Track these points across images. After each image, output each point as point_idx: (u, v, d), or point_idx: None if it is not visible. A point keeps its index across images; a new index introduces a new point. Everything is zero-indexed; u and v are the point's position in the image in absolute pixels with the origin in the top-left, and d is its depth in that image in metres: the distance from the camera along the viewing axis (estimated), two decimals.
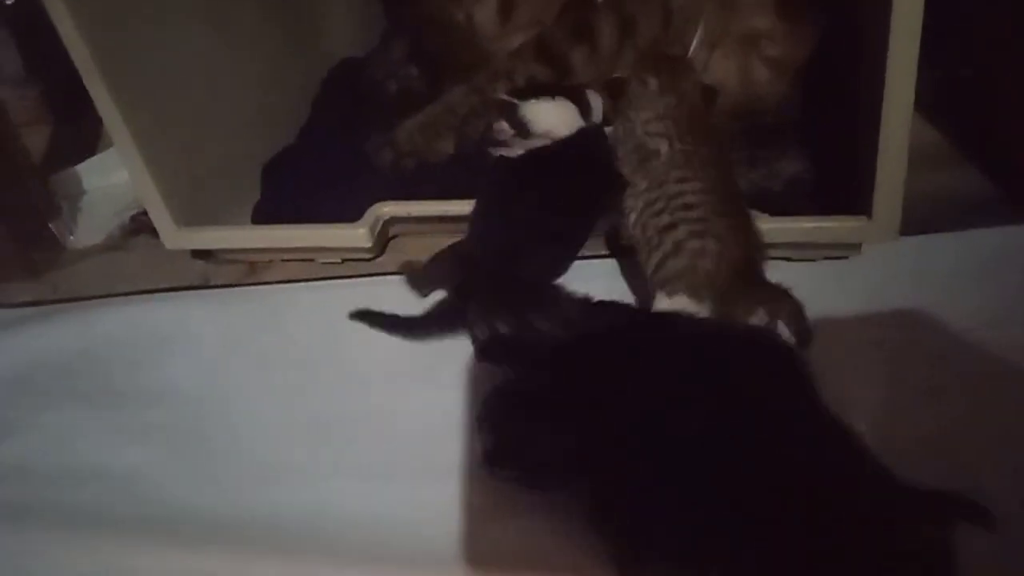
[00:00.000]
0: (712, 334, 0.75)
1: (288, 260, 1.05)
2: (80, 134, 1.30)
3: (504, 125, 0.88)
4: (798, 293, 0.85)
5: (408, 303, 0.96)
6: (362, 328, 0.94)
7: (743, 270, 0.77)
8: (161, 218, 0.99)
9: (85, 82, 0.90)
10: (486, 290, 0.85)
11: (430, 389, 0.86)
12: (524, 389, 0.72)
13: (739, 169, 0.89)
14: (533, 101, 0.92)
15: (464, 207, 0.96)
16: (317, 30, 1.33)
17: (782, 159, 0.91)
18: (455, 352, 0.87)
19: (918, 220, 0.86)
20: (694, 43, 0.91)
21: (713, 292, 0.77)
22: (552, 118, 0.92)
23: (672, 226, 0.78)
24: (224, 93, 1.09)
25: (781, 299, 0.76)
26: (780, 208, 0.88)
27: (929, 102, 0.89)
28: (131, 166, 0.95)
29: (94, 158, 1.25)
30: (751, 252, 0.78)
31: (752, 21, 0.90)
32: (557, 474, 0.69)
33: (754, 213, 0.85)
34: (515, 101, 0.92)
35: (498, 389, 0.73)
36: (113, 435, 0.90)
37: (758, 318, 0.76)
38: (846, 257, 0.90)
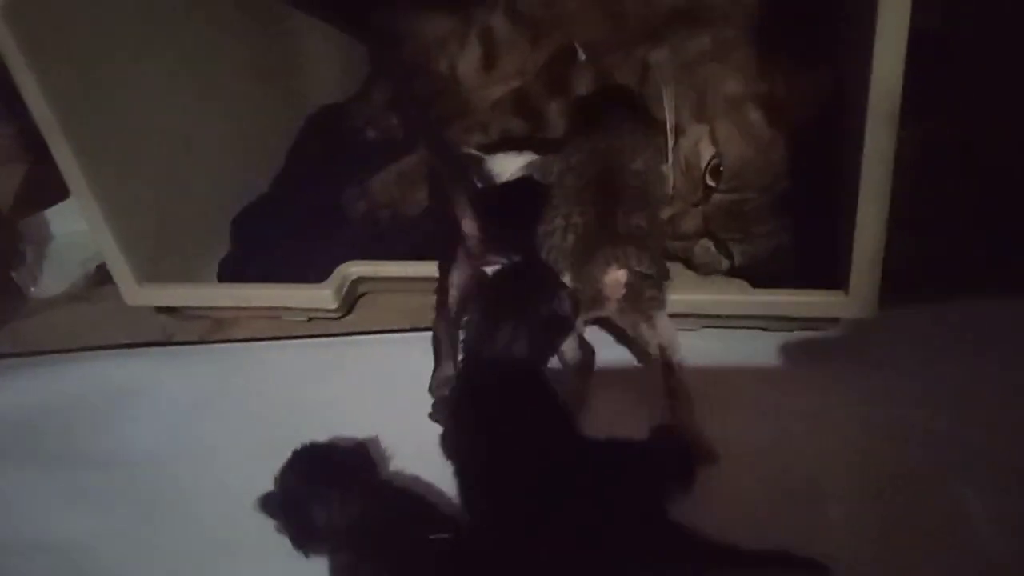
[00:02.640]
0: None
1: (254, 317, 1.03)
2: (53, 177, 1.28)
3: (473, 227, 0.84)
4: (772, 364, 0.85)
5: (374, 363, 0.94)
6: (328, 385, 0.93)
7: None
8: (122, 274, 0.96)
9: (44, 133, 0.88)
10: None
11: (399, 447, 0.83)
12: None
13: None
14: (500, 155, 0.91)
15: (433, 269, 0.94)
16: (298, 77, 1.31)
17: (772, 232, 0.88)
18: (423, 412, 0.85)
19: (898, 289, 0.83)
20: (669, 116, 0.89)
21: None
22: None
23: None
24: (195, 145, 1.06)
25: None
26: (760, 278, 0.87)
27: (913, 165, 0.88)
28: (91, 221, 0.93)
29: (63, 203, 1.22)
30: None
31: (725, 87, 0.88)
32: None
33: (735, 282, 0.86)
34: (481, 155, 0.91)
35: None
36: (62, 500, 0.86)
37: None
38: (824, 329, 0.87)
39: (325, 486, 0.71)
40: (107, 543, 0.81)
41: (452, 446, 0.76)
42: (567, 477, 0.67)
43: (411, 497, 0.74)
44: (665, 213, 0.88)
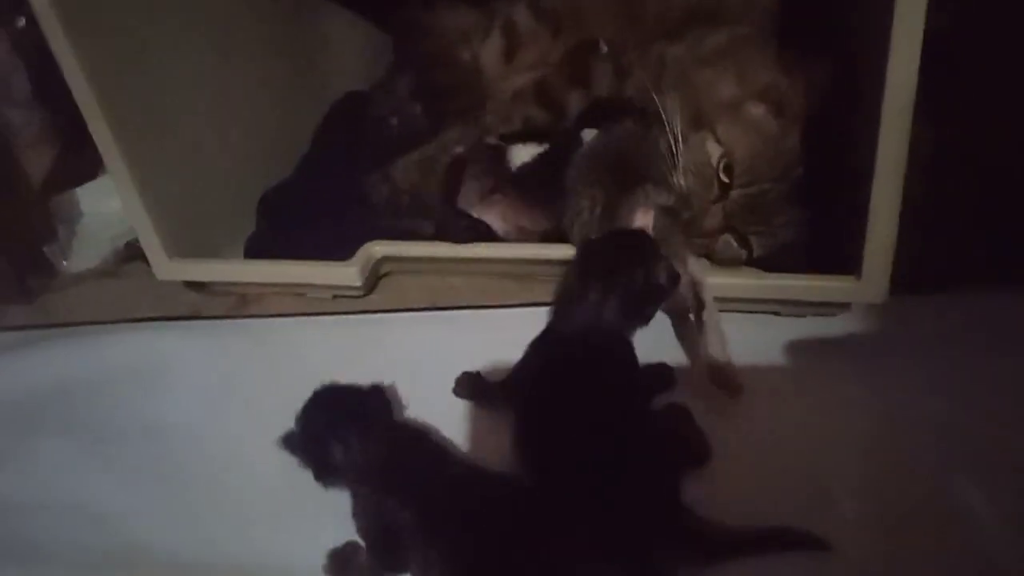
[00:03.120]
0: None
1: (279, 294, 1.05)
2: (84, 157, 1.31)
3: None
4: (784, 349, 0.87)
5: (395, 340, 0.97)
6: (351, 363, 0.93)
7: None
8: (153, 249, 0.99)
9: (82, 110, 0.91)
10: None
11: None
12: None
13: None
14: (520, 145, 0.93)
15: (455, 250, 0.96)
16: (323, 62, 1.34)
17: (790, 221, 0.90)
18: (444, 391, 0.88)
19: (909, 281, 0.85)
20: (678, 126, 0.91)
21: None
22: None
23: None
24: (226, 125, 1.09)
25: None
26: (775, 266, 0.89)
27: (928, 163, 0.90)
28: (125, 196, 0.95)
29: (94, 182, 1.25)
30: None
31: (719, 92, 0.90)
32: None
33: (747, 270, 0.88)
34: (502, 144, 0.93)
35: None
36: (94, 470, 0.89)
37: None
38: (834, 315, 0.89)
39: (344, 423, 0.74)
40: (134, 509, 0.85)
41: (520, 392, 0.79)
42: (623, 447, 0.69)
43: (427, 435, 0.78)
44: (685, 214, 0.90)
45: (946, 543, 0.71)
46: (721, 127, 0.89)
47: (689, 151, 0.90)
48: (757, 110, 0.89)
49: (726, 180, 0.88)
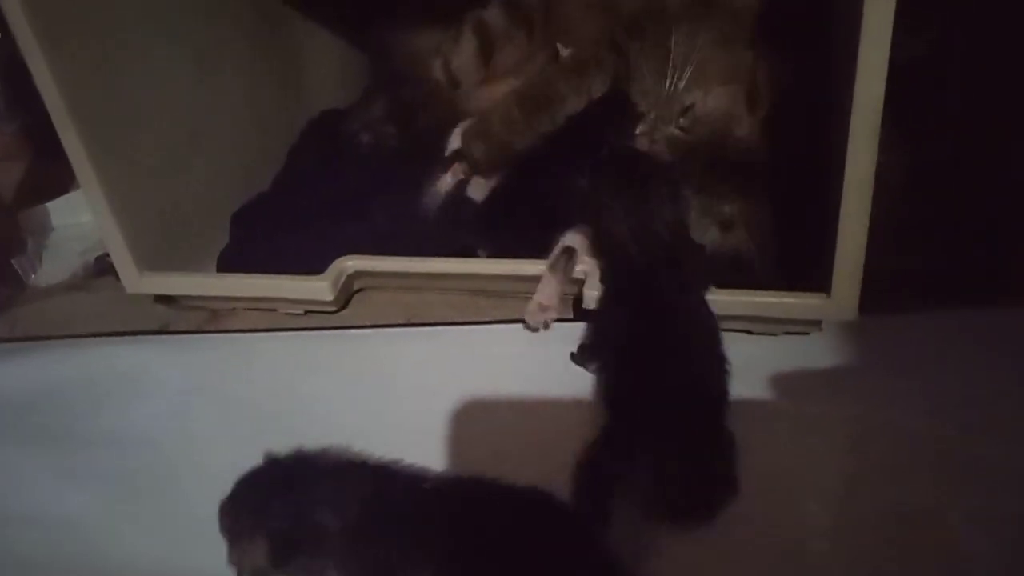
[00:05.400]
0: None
1: (250, 309, 1.04)
2: (55, 172, 1.30)
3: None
4: (755, 367, 0.87)
5: (368, 356, 0.96)
6: (323, 379, 0.94)
7: None
8: (123, 262, 0.98)
9: (55, 122, 0.90)
10: None
11: (393, 442, 0.81)
12: None
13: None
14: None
15: (429, 265, 0.96)
16: (301, 80, 1.34)
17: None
18: (416, 406, 0.88)
19: (883, 300, 0.86)
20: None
21: None
22: None
23: None
24: (202, 140, 1.09)
25: None
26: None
27: (900, 183, 0.91)
28: (96, 210, 0.94)
29: (65, 196, 1.24)
30: None
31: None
32: None
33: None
34: None
35: None
36: (61, 479, 0.88)
37: None
38: (807, 333, 0.90)
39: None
40: (97, 520, 0.83)
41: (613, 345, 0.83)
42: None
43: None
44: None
45: (923, 558, 0.71)
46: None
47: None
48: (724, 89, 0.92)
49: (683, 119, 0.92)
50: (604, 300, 0.86)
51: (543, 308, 0.90)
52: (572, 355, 0.88)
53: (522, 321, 0.92)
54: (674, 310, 0.81)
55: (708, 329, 0.81)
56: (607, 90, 1.01)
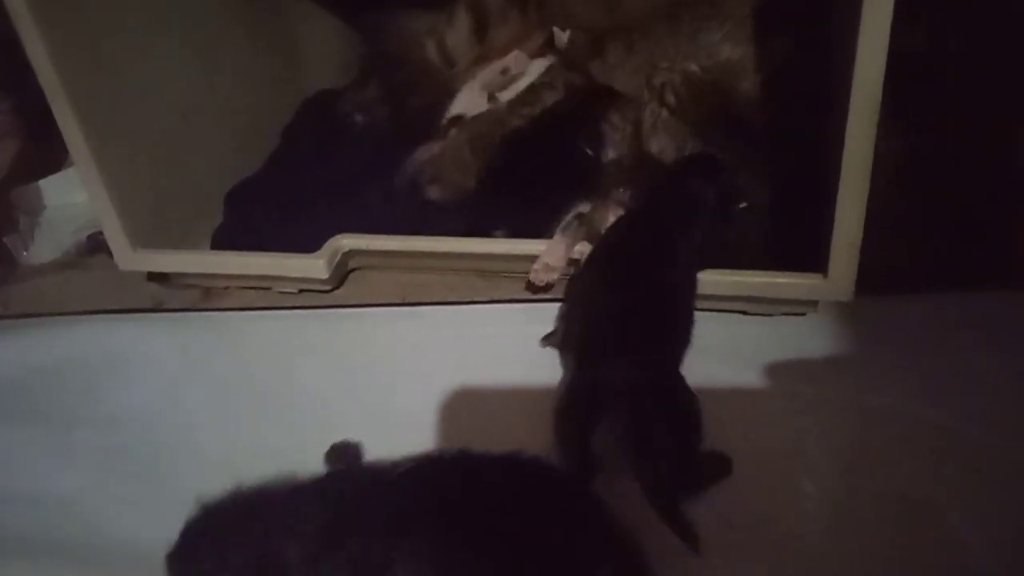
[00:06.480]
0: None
1: (244, 288, 1.04)
2: (48, 150, 1.29)
3: None
4: (752, 349, 0.87)
5: (362, 335, 0.96)
6: (317, 359, 0.94)
7: None
8: (117, 239, 0.97)
9: (49, 100, 0.89)
10: None
11: (387, 422, 0.85)
12: None
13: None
14: None
15: (424, 243, 0.96)
16: (298, 60, 1.33)
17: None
18: (411, 387, 0.87)
19: (877, 281, 0.86)
20: None
21: None
22: None
23: None
24: (196, 118, 1.08)
25: None
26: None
27: (899, 173, 0.91)
28: (90, 186, 0.94)
29: (57, 174, 1.23)
30: None
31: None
32: None
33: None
34: None
35: None
36: (53, 458, 0.88)
37: None
38: (803, 315, 0.90)
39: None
40: (91, 498, 0.84)
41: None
42: None
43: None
44: None
45: (919, 540, 0.72)
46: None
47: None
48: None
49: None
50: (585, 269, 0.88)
51: (549, 268, 0.90)
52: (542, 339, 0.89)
53: (518, 300, 0.94)
54: (660, 281, 0.81)
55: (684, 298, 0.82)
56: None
